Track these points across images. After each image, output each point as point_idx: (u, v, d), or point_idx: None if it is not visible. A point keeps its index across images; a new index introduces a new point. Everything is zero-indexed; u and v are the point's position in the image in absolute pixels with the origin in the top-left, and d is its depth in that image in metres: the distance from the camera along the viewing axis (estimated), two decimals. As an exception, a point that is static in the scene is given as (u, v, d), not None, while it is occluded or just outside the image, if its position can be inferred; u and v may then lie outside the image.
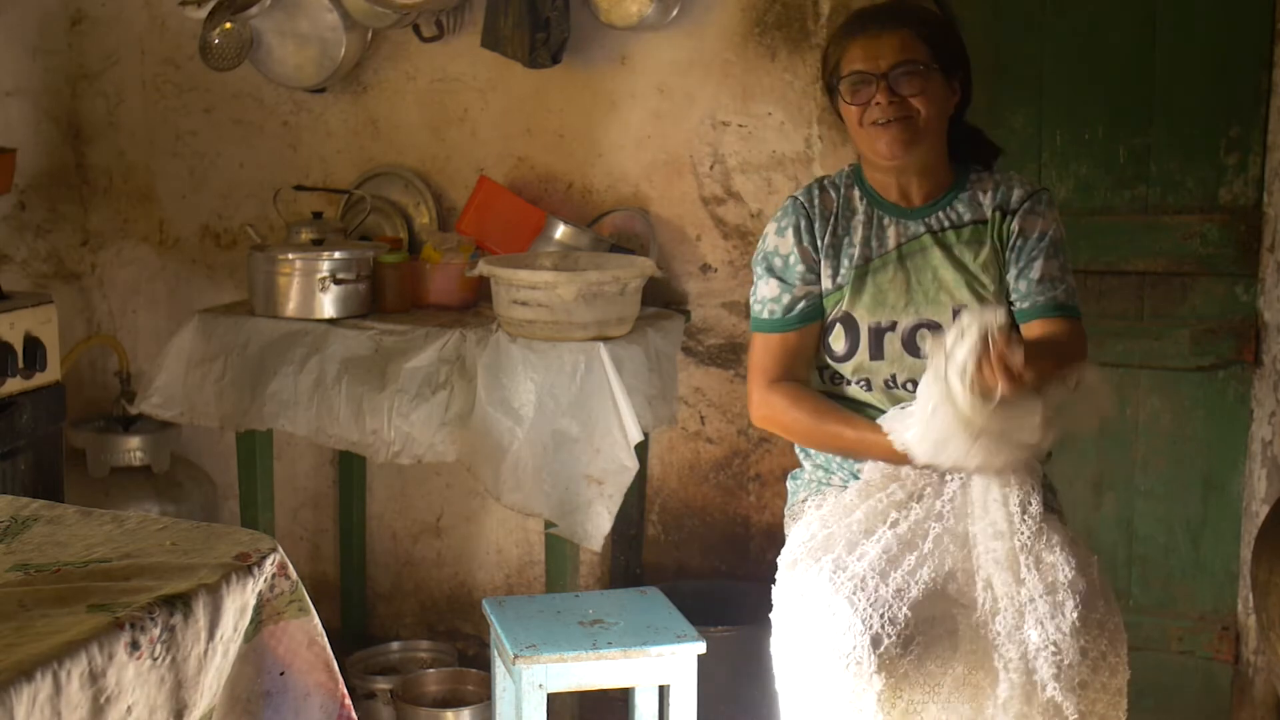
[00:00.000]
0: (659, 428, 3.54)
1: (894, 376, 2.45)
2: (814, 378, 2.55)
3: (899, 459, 2.35)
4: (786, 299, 2.51)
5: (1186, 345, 3.35)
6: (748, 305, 3.55)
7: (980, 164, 2.56)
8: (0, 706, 1.46)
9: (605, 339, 3.17)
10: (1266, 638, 2.67)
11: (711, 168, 3.59)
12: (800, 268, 2.50)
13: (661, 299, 3.61)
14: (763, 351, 2.54)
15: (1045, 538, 2.28)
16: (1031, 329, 2.42)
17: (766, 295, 2.53)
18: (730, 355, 3.62)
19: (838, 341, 2.48)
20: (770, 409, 2.51)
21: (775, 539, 3.57)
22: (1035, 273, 2.43)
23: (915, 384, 2.38)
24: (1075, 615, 2.18)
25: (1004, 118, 3.40)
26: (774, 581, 2.45)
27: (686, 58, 3.57)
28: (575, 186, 3.71)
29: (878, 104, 2.39)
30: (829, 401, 2.49)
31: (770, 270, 2.53)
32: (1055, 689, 2.15)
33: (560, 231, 3.52)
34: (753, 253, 3.53)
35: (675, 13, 3.52)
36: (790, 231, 2.51)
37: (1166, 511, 3.44)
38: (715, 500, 3.70)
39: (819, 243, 2.50)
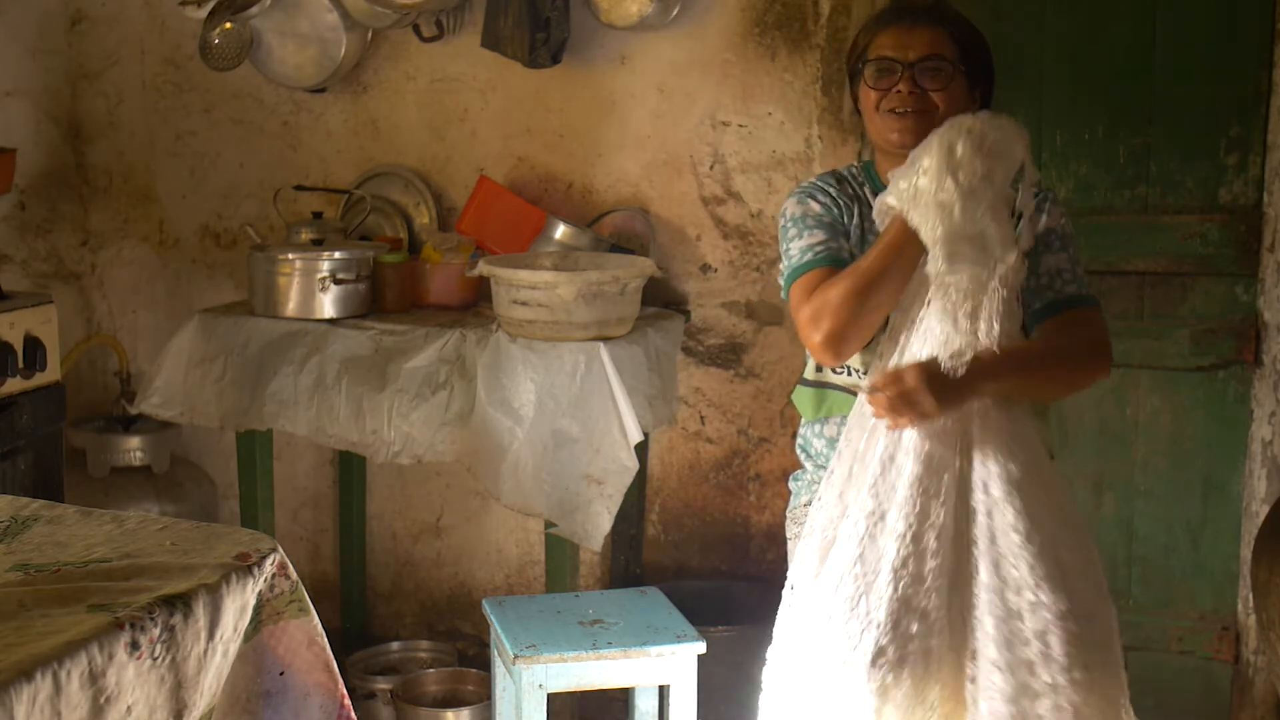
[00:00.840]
0: (659, 428, 3.54)
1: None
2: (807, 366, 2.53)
3: (910, 248, 2.26)
4: (834, 244, 2.42)
5: (1186, 345, 3.35)
6: (748, 305, 3.58)
7: None
8: (0, 706, 1.47)
9: (605, 339, 3.17)
10: (1266, 638, 2.67)
11: (711, 168, 3.59)
12: (841, 225, 2.45)
13: (661, 299, 3.61)
14: (810, 286, 2.37)
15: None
16: (1044, 329, 2.42)
17: (810, 243, 2.42)
18: (730, 355, 3.62)
19: None
20: (819, 315, 2.32)
21: (775, 539, 3.57)
22: (1041, 268, 2.43)
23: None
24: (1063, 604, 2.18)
25: (1004, 118, 3.40)
26: (771, 581, 2.45)
27: (686, 58, 3.57)
28: (575, 186, 3.71)
29: (898, 92, 2.39)
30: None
31: (807, 226, 2.44)
32: (1047, 675, 2.16)
33: (560, 231, 3.52)
34: (753, 252, 3.56)
35: (675, 13, 3.52)
36: (812, 200, 2.47)
37: (1166, 511, 3.44)
38: (715, 500, 3.70)
39: (844, 217, 2.48)
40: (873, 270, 2.29)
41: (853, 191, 2.51)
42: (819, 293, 2.34)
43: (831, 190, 2.50)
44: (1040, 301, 2.42)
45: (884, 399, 2.20)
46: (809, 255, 2.41)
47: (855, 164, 2.60)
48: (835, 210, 2.47)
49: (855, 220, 2.48)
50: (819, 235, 2.43)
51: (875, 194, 2.49)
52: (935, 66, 2.40)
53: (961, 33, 2.45)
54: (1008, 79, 3.38)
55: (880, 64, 2.42)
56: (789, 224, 2.48)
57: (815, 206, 2.47)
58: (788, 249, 2.46)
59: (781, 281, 2.46)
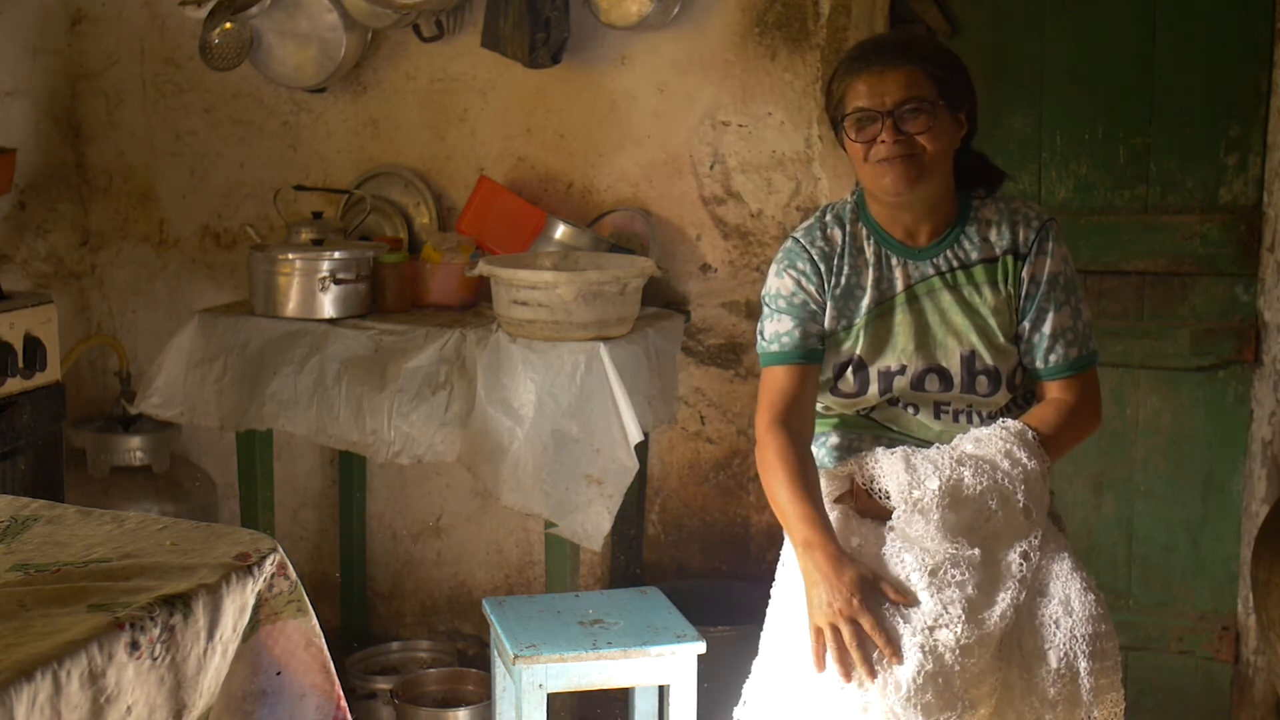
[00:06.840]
0: (659, 428, 3.54)
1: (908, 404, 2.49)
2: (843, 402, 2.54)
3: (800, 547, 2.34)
4: (798, 333, 2.46)
5: (1186, 345, 3.35)
6: (748, 305, 3.58)
7: (984, 187, 2.52)
8: (0, 706, 1.47)
9: (605, 339, 3.17)
10: (1266, 638, 2.67)
11: (711, 168, 3.59)
12: (811, 307, 2.47)
13: (661, 299, 3.61)
14: (770, 386, 2.48)
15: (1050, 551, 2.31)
16: (1047, 389, 2.47)
17: (777, 330, 2.48)
18: (730, 355, 3.62)
19: (846, 384, 2.48)
20: (762, 450, 2.44)
21: (775, 539, 3.57)
22: (1048, 327, 2.42)
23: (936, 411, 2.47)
24: (1082, 627, 2.19)
25: (1004, 118, 3.40)
26: (771, 581, 2.45)
27: (686, 58, 3.57)
28: (575, 186, 3.71)
29: (883, 142, 2.36)
30: (802, 467, 2.39)
31: (777, 309, 2.49)
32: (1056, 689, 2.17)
33: (560, 231, 3.52)
34: (753, 252, 3.56)
35: (675, 13, 3.52)
36: (789, 273, 2.49)
37: (1166, 511, 3.44)
38: (715, 500, 3.70)
39: (824, 284, 2.47)
40: (779, 508, 2.39)
41: (839, 241, 2.49)
42: (774, 436, 2.42)
43: (815, 251, 2.49)
44: (1043, 363, 2.43)
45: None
46: (774, 346, 2.49)
47: (851, 199, 2.56)
48: (814, 280, 2.48)
49: (832, 279, 2.48)
50: (786, 323, 2.48)
51: (869, 234, 2.49)
52: (915, 109, 2.35)
53: (935, 64, 2.39)
54: (1008, 80, 3.40)
55: (859, 115, 2.38)
56: (765, 295, 2.53)
57: (788, 283, 2.49)
58: (761, 323, 2.53)
59: (759, 345, 2.54)
